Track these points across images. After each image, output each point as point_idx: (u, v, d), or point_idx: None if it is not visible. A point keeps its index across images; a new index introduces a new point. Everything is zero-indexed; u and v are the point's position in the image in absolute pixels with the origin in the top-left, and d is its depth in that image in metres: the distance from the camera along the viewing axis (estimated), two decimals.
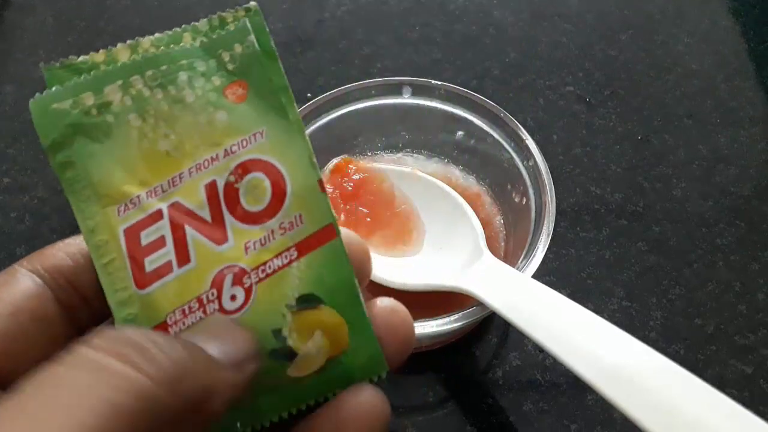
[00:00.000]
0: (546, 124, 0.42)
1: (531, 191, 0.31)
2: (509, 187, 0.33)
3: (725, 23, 0.48)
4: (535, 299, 0.26)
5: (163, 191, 0.17)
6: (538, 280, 0.27)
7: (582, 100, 0.43)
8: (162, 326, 0.16)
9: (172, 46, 0.17)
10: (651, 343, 0.22)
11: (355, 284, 0.17)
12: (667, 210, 0.38)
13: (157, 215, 0.17)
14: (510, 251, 0.33)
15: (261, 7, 0.17)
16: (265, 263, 0.17)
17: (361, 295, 0.17)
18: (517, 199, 0.33)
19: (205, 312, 0.16)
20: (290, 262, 0.17)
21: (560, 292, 0.25)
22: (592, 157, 0.40)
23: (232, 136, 0.17)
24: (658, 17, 0.48)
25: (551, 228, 0.29)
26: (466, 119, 0.34)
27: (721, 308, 0.35)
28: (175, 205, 0.17)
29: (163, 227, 0.17)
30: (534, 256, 0.28)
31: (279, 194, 0.17)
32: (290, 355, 0.17)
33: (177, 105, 0.17)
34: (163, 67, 0.17)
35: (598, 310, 0.24)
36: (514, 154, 0.33)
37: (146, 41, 0.17)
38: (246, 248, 0.17)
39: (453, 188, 0.33)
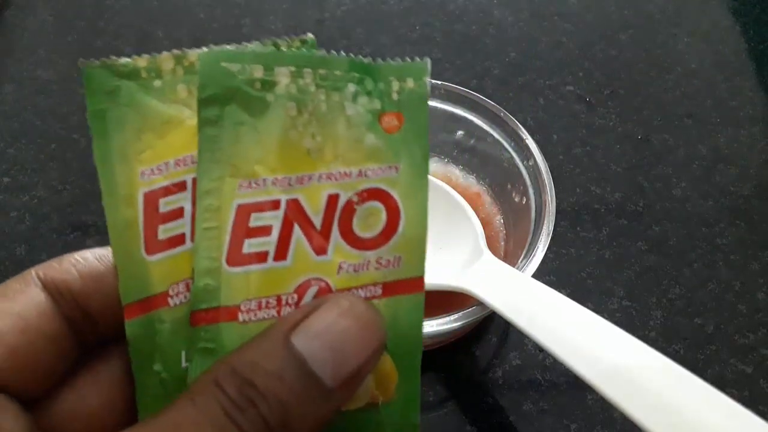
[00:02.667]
0: (546, 123, 0.42)
1: (531, 191, 0.31)
2: (509, 186, 0.33)
3: (725, 23, 0.48)
4: (535, 299, 0.26)
5: (289, 185, 0.16)
6: (538, 280, 0.27)
7: (582, 99, 0.43)
8: (233, 310, 0.16)
9: (343, 55, 0.17)
10: (651, 342, 0.22)
11: (420, 345, 0.17)
12: (667, 210, 0.38)
13: (275, 204, 0.16)
14: (510, 251, 0.33)
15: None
16: (350, 288, 0.17)
17: (420, 361, 0.17)
18: (517, 199, 0.33)
19: (278, 313, 0.16)
20: (372, 297, 0.17)
21: (560, 291, 0.25)
22: (592, 157, 0.40)
23: (371, 160, 0.17)
24: (658, 17, 0.48)
25: (551, 228, 0.29)
26: (466, 119, 0.34)
27: (721, 308, 0.35)
28: (294, 202, 0.17)
29: (276, 218, 0.16)
30: (534, 255, 0.28)
31: (389, 231, 0.17)
32: None
33: (335, 112, 0.17)
34: (337, 72, 0.16)
35: (598, 310, 0.24)
36: (514, 154, 0.33)
37: (193, 54, 0.16)
38: (340, 267, 0.17)
39: (453, 188, 0.33)
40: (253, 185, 0.16)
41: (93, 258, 0.18)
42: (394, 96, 0.17)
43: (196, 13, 0.47)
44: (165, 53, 0.16)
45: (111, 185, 0.16)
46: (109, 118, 0.16)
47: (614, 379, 0.22)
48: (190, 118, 0.16)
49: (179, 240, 0.16)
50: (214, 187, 0.16)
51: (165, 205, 0.16)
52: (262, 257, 0.16)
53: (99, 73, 0.16)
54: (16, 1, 0.48)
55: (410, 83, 0.17)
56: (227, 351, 0.16)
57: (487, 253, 0.30)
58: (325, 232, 0.17)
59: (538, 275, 0.28)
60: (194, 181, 0.16)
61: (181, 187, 0.16)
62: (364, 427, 0.17)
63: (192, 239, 0.16)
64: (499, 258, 0.29)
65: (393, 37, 0.46)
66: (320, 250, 0.17)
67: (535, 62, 0.45)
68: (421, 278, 0.17)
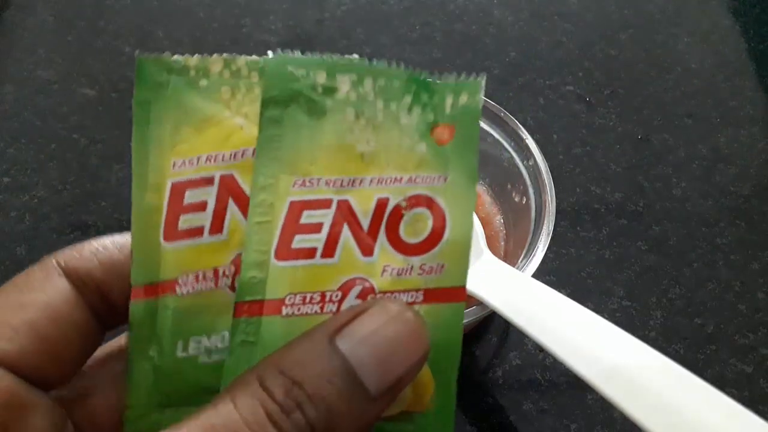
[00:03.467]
0: (546, 123, 0.42)
1: (531, 191, 0.31)
2: (509, 186, 0.33)
3: (725, 23, 0.48)
4: (535, 299, 0.26)
5: (342, 186, 0.17)
6: (538, 280, 0.27)
7: (582, 99, 0.43)
8: (277, 303, 0.17)
9: (403, 67, 0.17)
10: (651, 342, 0.22)
11: (458, 356, 0.17)
12: (667, 209, 0.38)
13: (327, 204, 0.17)
14: (510, 251, 0.33)
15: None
16: (392, 292, 0.17)
17: (457, 372, 0.17)
18: (517, 199, 0.33)
19: (322, 309, 0.17)
20: (413, 303, 0.17)
21: (560, 291, 0.25)
22: (592, 157, 0.40)
23: (421, 168, 0.17)
24: (658, 17, 0.48)
25: (551, 227, 0.29)
26: None
27: (721, 308, 0.35)
28: (344, 203, 0.17)
29: (327, 216, 0.17)
30: (534, 255, 0.28)
31: (435, 238, 0.17)
32: None
33: (390, 120, 0.17)
34: (396, 84, 0.17)
35: (598, 310, 0.24)
36: (514, 154, 0.33)
37: (241, 60, 0.17)
38: (384, 270, 0.17)
39: None
40: (307, 184, 0.17)
41: (113, 247, 0.18)
42: (448, 110, 0.17)
43: (196, 13, 0.47)
44: (215, 56, 0.17)
45: (143, 171, 0.17)
46: (153, 108, 0.17)
47: (614, 379, 0.22)
48: (228, 118, 0.17)
49: (198, 232, 0.17)
50: (270, 184, 0.17)
51: (190, 196, 0.17)
52: (310, 253, 0.17)
53: (151, 65, 0.17)
54: (16, 1, 0.48)
55: (464, 98, 0.17)
56: (267, 345, 0.16)
57: (487, 253, 0.30)
58: (373, 234, 0.17)
59: (538, 275, 0.28)
60: (222, 178, 0.17)
61: (209, 182, 0.17)
62: None
63: (211, 233, 0.17)
64: (499, 258, 0.29)
65: (393, 37, 0.46)
66: (367, 251, 0.17)
67: (535, 62, 0.45)
68: (462, 288, 0.17)
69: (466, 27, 0.47)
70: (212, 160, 0.17)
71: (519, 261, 0.29)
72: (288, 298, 0.17)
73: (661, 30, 0.47)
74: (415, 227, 0.17)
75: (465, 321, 0.27)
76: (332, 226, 0.17)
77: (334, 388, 0.14)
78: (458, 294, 0.17)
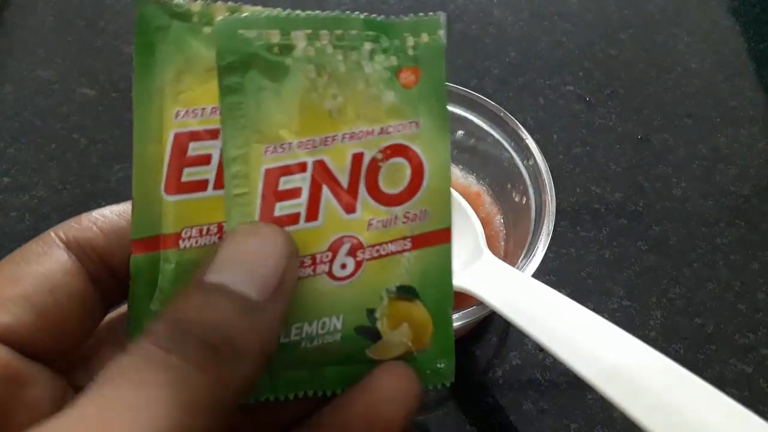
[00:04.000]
0: (546, 123, 0.42)
1: (531, 191, 0.31)
2: (509, 186, 0.33)
3: (725, 23, 0.48)
4: (535, 298, 0.26)
5: (314, 147, 0.17)
6: (538, 280, 0.27)
7: (582, 99, 0.43)
8: None
9: (357, 14, 0.17)
10: (651, 342, 0.22)
11: (451, 294, 0.18)
12: (667, 209, 0.38)
13: (302, 167, 0.17)
14: (510, 251, 0.33)
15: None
16: (380, 244, 0.17)
17: (452, 307, 0.18)
18: (517, 199, 0.33)
19: (314, 271, 0.17)
20: (402, 251, 0.17)
21: (560, 291, 0.25)
22: (592, 157, 0.40)
23: (392, 117, 0.17)
24: (658, 17, 0.48)
25: (551, 227, 0.29)
26: (466, 118, 0.34)
27: (721, 308, 0.35)
28: (320, 163, 0.17)
29: (304, 180, 0.17)
30: (534, 255, 0.28)
31: (414, 185, 0.17)
32: (375, 336, 0.17)
33: (354, 72, 0.17)
34: (353, 32, 0.17)
35: (598, 310, 0.24)
36: (514, 154, 0.33)
37: (248, 9, 0.17)
38: (369, 224, 0.17)
39: (453, 188, 0.33)
40: (279, 149, 0.16)
41: (113, 214, 0.18)
42: (410, 52, 0.17)
43: None
44: (220, 2, 0.16)
45: (144, 120, 0.16)
46: (154, 53, 0.16)
47: (614, 379, 0.22)
48: None
49: (202, 185, 0.17)
50: (241, 154, 0.16)
51: (194, 149, 0.17)
52: (294, 219, 0.17)
53: (152, 8, 0.16)
54: (16, 1, 0.48)
55: (425, 38, 0.17)
56: None
57: (487, 253, 0.30)
58: (353, 191, 0.17)
59: (538, 275, 0.28)
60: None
61: (213, 135, 0.17)
62: None
63: (215, 187, 0.17)
64: (499, 258, 0.29)
65: None
66: (349, 209, 0.17)
67: (535, 62, 0.45)
68: (447, 229, 0.18)
69: (466, 27, 0.47)
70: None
71: (519, 261, 0.29)
72: None
73: (661, 30, 0.47)
74: (394, 177, 0.17)
75: (465, 321, 0.27)
76: (311, 188, 0.17)
77: (216, 310, 0.14)
78: (444, 235, 0.18)
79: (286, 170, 0.17)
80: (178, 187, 0.17)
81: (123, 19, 0.47)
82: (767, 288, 0.35)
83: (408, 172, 0.17)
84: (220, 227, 0.17)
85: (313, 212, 0.17)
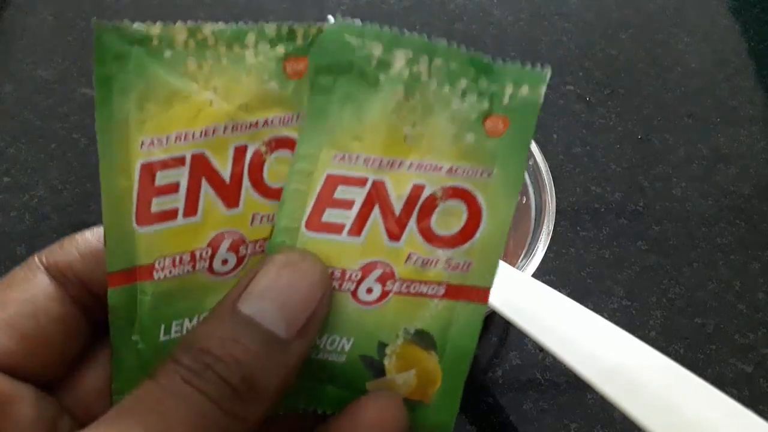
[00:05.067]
0: (546, 123, 0.42)
1: (531, 190, 0.31)
2: None
3: (725, 22, 0.48)
4: (535, 298, 0.26)
5: (380, 166, 0.17)
6: (538, 280, 0.27)
7: (582, 99, 0.43)
8: None
9: (464, 49, 0.17)
10: (651, 342, 0.22)
11: (471, 357, 0.17)
12: (667, 209, 0.38)
13: (362, 182, 0.17)
14: (510, 250, 0.33)
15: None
16: (413, 281, 0.17)
17: (467, 372, 0.17)
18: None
19: (340, 286, 0.17)
20: (434, 296, 0.17)
21: (560, 291, 0.25)
22: (592, 157, 0.40)
23: (465, 159, 0.17)
24: (658, 16, 0.48)
25: (551, 227, 0.29)
26: None
27: (721, 307, 0.35)
28: (380, 184, 0.17)
29: (360, 194, 0.16)
30: (534, 255, 0.28)
31: (467, 234, 0.17)
32: (378, 372, 0.17)
33: (441, 104, 0.16)
34: (453, 65, 0.16)
35: (598, 310, 0.24)
36: None
37: (207, 28, 0.16)
38: (408, 257, 0.17)
39: None
40: (347, 159, 0.16)
41: (93, 238, 0.18)
42: (506, 100, 0.16)
43: (196, 13, 0.47)
44: (179, 23, 0.16)
45: (109, 152, 0.16)
46: (115, 83, 0.16)
47: (614, 379, 0.22)
48: (196, 93, 0.16)
49: (171, 214, 0.16)
50: (311, 153, 0.16)
51: (162, 178, 0.16)
52: (338, 228, 0.17)
53: (110, 36, 0.16)
54: (16, 1, 0.48)
55: (524, 90, 0.16)
56: None
57: None
58: (403, 220, 0.17)
59: (538, 275, 0.28)
60: (193, 157, 0.16)
61: (179, 162, 0.16)
62: None
63: (185, 215, 0.16)
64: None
65: None
66: (393, 236, 0.17)
67: (535, 62, 0.45)
68: (487, 290, 0.17)
69: (466, 27, 0.47)
70: (182, 139, 0.16)
71: (519, 261, 0.29)
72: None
73: (661, 30, 0.47)
74: (448, 219, 0.17)
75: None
76: (363, 205, 0.16)
77: (241, 345, 0.14)
78: (481, 295, 0.17)
79: (347, 180, 0.16)
80: (149, 217, 0.16)
81: (123, 19, 0.47)
82: (767, 288, 0.35)
83: (464, 218, 0.17)
84: (192, 255, 0.17)
85: (357, 228, 0.17)
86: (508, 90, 0.16)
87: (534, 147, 0.32)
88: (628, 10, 0.48)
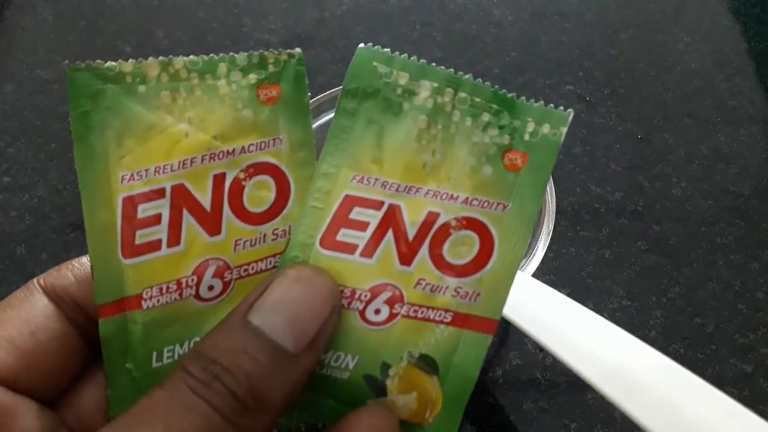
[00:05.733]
0: None
1: None
2: None
3: (725, 22, 0.48)
4: (535, 298, 0.26)
5: (397, 191, 0.17)
6: (538, 279, 0.27)
7: (582, 99, 0.43)
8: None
9: (489, 84, 0.17)
10: (651, 342, 0.22)
11: (473, 384, 0.17)
12: (667, 209, 0.38)
13: (378, 205, 0.17)
14: None
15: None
16: (422, 306, 0.17)
17: (467, 399, 0.18)
18: None
19: (349, 305, 0.17)
20: (440, 322, 0.17)
21: (560, 291, 0.25)
22: (592, 156, 0.40)
23: (482, 192, 0.17)
24: (658, 16, 0.48)
25: (551, 227, 0.29)
26: None
27: (721, 307, 0.35)
28: (396, 208, 0.17)
29: (375, 218, 0.17)
30: (534, 255, 0.29)
31: (478, 264, 0.17)
32: (379, 391, 0.17)
33: (462, 135, 0.17)
34: (477, 99, 0.17)
35: (598, 309, 0.24)
36: None
37: (179, 61, 0.17)
38: (418, 282, 0.17)
39: None
40: (365, 182, 0.17)
41: (88, 263, 0.18)
42: (526, 137, 0.17)
43: (196, 12, 0.47)
44: (151, 59, 0.16)
45: (91, 188, 0.17)
46: (91, 121, 0.16)
47: (614, 379, 0.22)
48: (172, 125, 0.17)
49: (155, 246, 0.17)
50: (331, 173, 0.17)
51: (143, 211, 0.17)
52: (352, 249, 0.17)
53: (83, 76, 0.16)
54: (16, 1, 0.48)
55: (546, 128, 0.17)
56: None
57: None
58: (416, 246, 0.17)
59: (538, 275, 0.28)
60: (173, 188, 0.17)
61: (160, 194, 0.17)
62: None
63: (168, 246, 0.17)
64: None
65: (393, 37, 0.46)
66: (405, 261, 0.17)
67: (535, 62, 0.45)
68: (494, 322, 0.17)
69: (466, 27, 0.47)
70: (161, 172, 0.17)
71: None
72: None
73: (661, 30, 0.47)
74: (461, 249, 0.17)
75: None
76: (377, 228, 0.17)
77: (249, 357, 0.15)
78: (488, 326, 0.17)
79: (363, 202, 0.17)
80: (133, 250, 0.17)
81: (123, 19, 0.47)
82: (767, 288, 0.35)
83: (476, 249, 0.17)
84: (179, 284, 0.17)
85: (370, 249, 0.17)
86: (530, 127, 0.17)
87: None
88: (628, 10, 0.48)
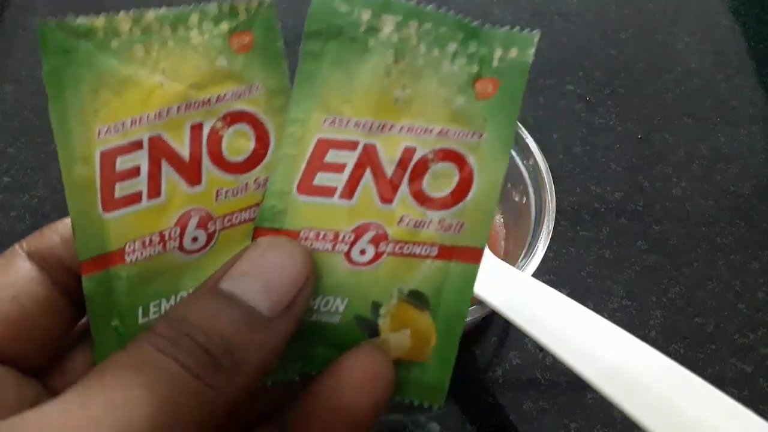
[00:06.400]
0: (546, 123, 0.42)
1: (531, 190, 0.31)
2: (509, 186, 0.33)
3: (725, 22, 0.48)
4: (535, 298, 0.26)
5: (370, 130, 0.17)
6: (538, 279, 0.27)
7: (582, 99, 0.43)
8: (294, 234, 0.17)
9: (452, 13, 0.17)
10: (651, 342, 0.22)
11: (465, 316, 0.17)
12: (667, 209, 0.38)
13: (353, 145, 0.17)
14: (510, 250, 0.33)
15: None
16: (407, 243, 0.17)
17: (461, 332, 0.18)
18: (517, 198, 0.33)
19: (333, 248, 0.17)
20: (427, 256, 0.17)
21: (560, 291, 0.25)
22: (592, 156, 0.40)
23: (456, 122, 0.17)
24: (658, 16, 0.48)
25: (551, 227, 0.29)
26: None
27: (721, 307, 0.35)
28: (371, 147, 0.17)
29: (351, 158, 0.17)
30: (534, 255, 0.29)
31: (458, 195, 0.17)
32: (372, 332, 0.17)
33: (431, 68, 0.17)
34: (442, 29, 0.16)
35: (598, 309, 0.24)
36: (514, 153, 0.33)
37: (150, 14, 0.16)
38: (401, 219, 0.17)
39: None
40: (337, 123, 0.17)
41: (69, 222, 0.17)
42: (495, 63, 0.17)
43: None
44: (122, 13, 0.16)
45: (67, 144, 0.16)
46: (65, 77, 0.16)
47: (614, 379, 0.22)
48: (147, 77, 0.16)
49: (136, 198, 0.17)
50: (301, 118, 0.17)
51: (122, 163, 0.16)
52: (330, 191, 0.17)
53: (55, 32, 0.16)
54: (16, 1, 0.48)
55: (514, 52, 0.17)
56: None
57: (488, 253, 0.30)
58: (395, 183, 0.17)
59: (538, 274, 0.28)
60: (151, 140, 0.16)
61: (137, 145, 0.16)
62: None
63: (149, 197, 0.17)
64: (500, 257, 0.29)
65: None
66: (386, 199, 0.17)
67: (535, 61, 0.45)
68: (480, 250, 0.17)
69: None
70: (137, 123, 0.16)
71: (519, 260, 0.29)
72: (303, 231, 0.17)
73: (661, 30, 0.47)
74: (440, 182, 0.17)
75: (465, 321, 0.27)
76: (355, 168, 0.17)
77: (223, 318, 0.14)
78: (474, 255, 0.17)
79: (337, 144, 0.17)
80: (113, 203, 0.16)
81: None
82: (767, 288, 0.35)
83: (456, 180, 0.17)
84: (161, 236, 0.17)
85: (349, 190, 0.17)
86: (498, 53, 0.17)
87: (534, 147, 0.32)
88: (628, 10, 0.48)
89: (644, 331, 0.34)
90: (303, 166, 0.17)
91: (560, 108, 0.43)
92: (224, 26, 0.17)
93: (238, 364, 0.14)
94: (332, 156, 0.17)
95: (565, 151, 0.41)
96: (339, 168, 0.17)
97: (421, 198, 0.17)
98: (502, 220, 0.35)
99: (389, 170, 0.17)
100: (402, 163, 0.17)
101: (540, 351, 0.33)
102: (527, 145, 0.32)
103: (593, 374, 0.22)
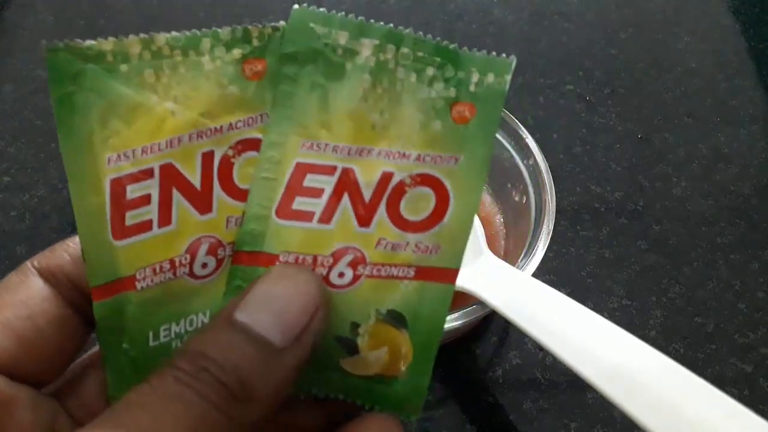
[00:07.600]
0: (546, 122, 0.42)
1: (531, 190, 0.31)
2: (509, 185, 0.33)
3: (725, 22, 0.48)
4: (535, 298, 0.26)
5: (348, 154, 0.17)
6: (538, 279, 0.27)
7: (582, 98, 0.43)
8: (273, 258, 0.17)
9: (430, 37, 0.17)
10: (651, 341, 0.22)
11: (440, 334, 0.18)
12: (667, 209, 0.38)
13: (331, 170, 0.17)
14: (510, 250, 0.33)
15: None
16: (384, 265, 0.17)
17: (437, 348, 0.18)
18: (517, 198, 0.33)
19: (317, 264, 0.17)
20: (404, 278, 0.17)
21: (560, 290, 0.25)
22: (592, 156, 0.40)
23: (432, 147, 0.17)
24: (658, 16, 0.48)
25: (551, 227, 0.29)
26: None
27: (721, 307, 0.35)
28: (349, 171, 0.17)
29: (329, 183, 0.17)
30: (534, 254, 0.29)
31: (435, 218, 0.17)
32: (352, 350, 0.17)
33: (408, 92, 0.17)
34: (420, 53, 0.16)
35: (598, 309, 0.24)
36: (514, 153, 0.33)
37: (161, 38, 0.16)
38: (378, 242, 0.17)
39: None
40: (315, 147, 0.17)
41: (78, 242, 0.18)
42: (472, 87, 0.17)
43: (196, 12, 0.47)
44: (132, 36, 0.16)
45: (77, 172, 0.16)
46: (74, 102, 0.16)
47: (614, 378, 0.22)
48: (157, 104, 0.16)
49: (146, 226, 0.17)
50: (279, 142, 0.17)
51: (132, 192, 0.16)
52: (308, 216, 0.17)
53: (63, 56, 0.16)
54: (16, 1, 0.48)
55: (490, 78, 0.17)
56: None
57: (488, 253, 0.30)
58: (372, 207, 0.17)
59: (538, 274, 0.28)
60: (161, 168, 0.16)
61: (148, 174, 0.16)
62: (370, 394, 0.18)
63: (160, 225, 0.17)
64: (500, 257, 0.29)
65: None
66: (364, 222, 0.17)
67: (535, 61, 0.45)
68: (455, 271, 0.17)
69: (466, 27, 0.47)
70: (148, 152, 0.16)
71: (519, 260, 0.29)
72: (282, 255, 0.17)
73: (661, 29, 0.47)
74: (417, 205, 0.17)
75: (465, 321, 0.27)
76: (333, 193, 0.17)
77: (238, 351, 0.15)
78: (449, 275, 0.17)
79: (315, 168, 0.17)
80: (124, 231, 0.16)
81: (123, 19, 0.47)
82: (767, 287, 0.35)
83: (432, 203, 0.17)
84: (172, 263, 0.17)
85: (328, 215, 0.17)
86: (474, 77, 0.17)
87: (534, 147, 0.32)
88: (628, 10, 0.48)
89: (644, 331, 0.34)
90: (282, 190, 0.17)
91: (560, 108, 0.43)
92: (237, 53, 0.16)
93: (253, 395, 0.15)
94: (310, 180, 0.17)
95: (565, 150, 0.41)
96: (317, 193, 0.17)
97: (398, 221, 0.17)
98: (502, 219, 0.35)
99: (367, 194, 0.17)
100: (380, 187, 0.17)
101: (540, 351, 0.33)
102: (527, 145, 0.32)
103: (593, 374, 0.22)
